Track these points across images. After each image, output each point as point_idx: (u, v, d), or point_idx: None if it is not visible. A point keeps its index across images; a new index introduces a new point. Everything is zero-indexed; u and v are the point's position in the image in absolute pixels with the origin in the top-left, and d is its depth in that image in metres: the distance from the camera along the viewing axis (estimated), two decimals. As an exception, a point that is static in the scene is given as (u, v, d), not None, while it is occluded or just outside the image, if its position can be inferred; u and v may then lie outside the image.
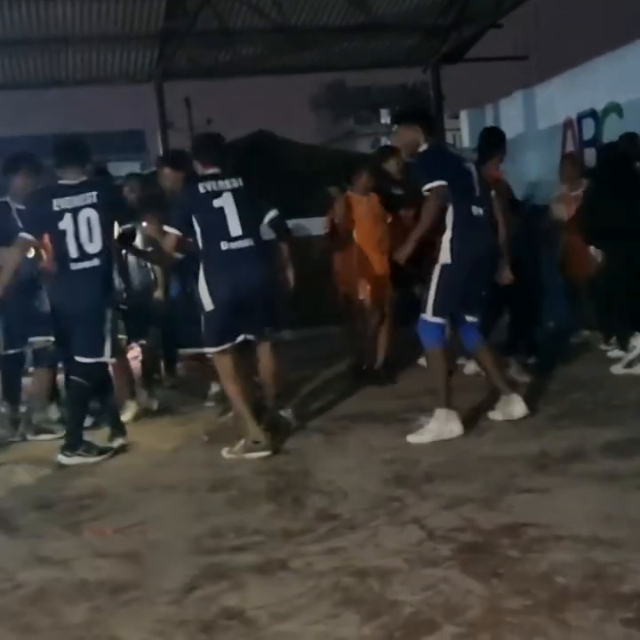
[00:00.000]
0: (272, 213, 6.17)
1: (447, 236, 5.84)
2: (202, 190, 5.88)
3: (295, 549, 4.15)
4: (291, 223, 7.30)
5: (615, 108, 9.22)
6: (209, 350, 5.99)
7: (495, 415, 6.13)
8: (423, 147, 5.98)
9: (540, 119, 10.94)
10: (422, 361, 7.74)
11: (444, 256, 5.85)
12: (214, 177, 5.95)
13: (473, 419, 6.14)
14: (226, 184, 5.92)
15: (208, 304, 5.80)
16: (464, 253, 5.81)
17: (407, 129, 6.10)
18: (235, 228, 5.86)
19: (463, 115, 13.66)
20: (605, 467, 4.95)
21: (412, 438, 5.79)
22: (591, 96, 9.54)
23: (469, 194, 5.92)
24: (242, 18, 11.83)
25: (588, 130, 9.61)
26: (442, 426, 5.78)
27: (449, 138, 16.15)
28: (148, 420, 7.17)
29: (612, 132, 8.59)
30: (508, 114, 11.83)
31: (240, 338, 5.92)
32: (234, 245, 5.84)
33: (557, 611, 3.24)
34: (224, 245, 5.82)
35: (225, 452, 5.85)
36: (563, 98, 10.16)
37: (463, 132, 13.50)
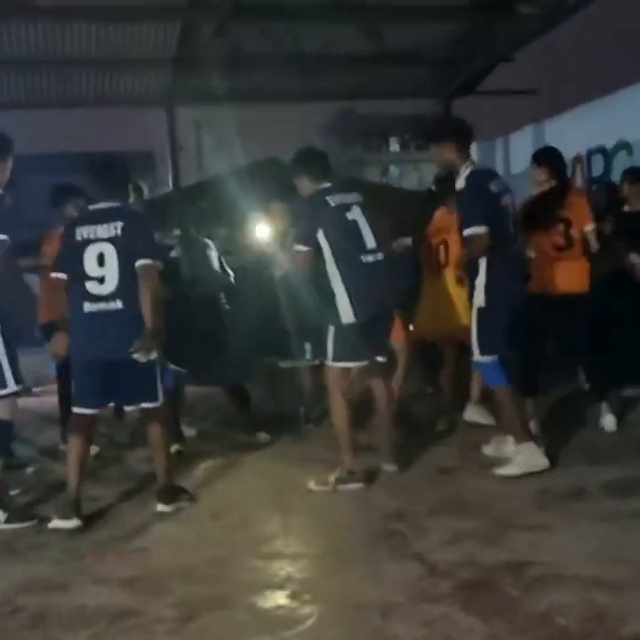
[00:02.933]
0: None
1: (481, 280, 5.72)
2: (332, 203, 5.75)
3: (296, 582, 4.15)
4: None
5: (625, 146, 9.27)
6: (338, 364, 5.76)
7: (487, 450, 6.14)
8: (461, 180, 5.80)
9: (550, 154, 10.98)
10: None
11: (479, 299, 5.74)
12: (336, 190, 5.86)
13: (473, 454, 6.16)
14: (350, 198, 5.86)
15: (349, 316, 5.65)
16: (499, 297, 5.72)
17: (442, 147, 5.92)
18: (369, 240, 5.79)
19: (473, 146, 13.71)
20: (606, 506, 4.95)
21: (500, 471, 5.65)
22: (601, 133, 9.59)
23: (505, 234, 5.82)
24: (255, 45, 11.87)
25: (598, 166, 9.66)
26: (529, 459, 5.65)
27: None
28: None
29: (621, 169, 8.63)
30: (519, 147, 11.88)
31: (371, 358, 5.86)
32: (371, 258, 5.77)
33: (557, 652, 3.24)
34: (363, 258, 5.74)
35: (313, 485, 5.68)
36: (573, 133, 10.20)
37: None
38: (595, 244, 6.50)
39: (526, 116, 12.91)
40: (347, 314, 5.66)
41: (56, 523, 5.12)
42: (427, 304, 7.27)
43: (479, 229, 5.62)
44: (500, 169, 12.24)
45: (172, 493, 5.48)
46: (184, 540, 4.91)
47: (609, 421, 6.64)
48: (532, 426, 6.50)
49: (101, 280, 5.23)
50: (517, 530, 4.63)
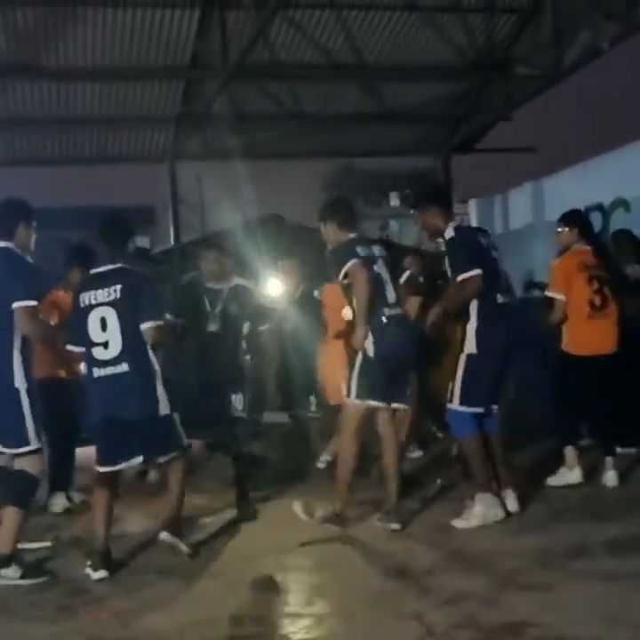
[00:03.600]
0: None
1: (472, 326, 5.82)
2: (362, 254, 5.80)
3: (293, 641, 4.11)
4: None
5: (622, 203, 9.36)
6: (358, 401, 5.78)
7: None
8: (449, 231, 5.93)
9: (548, 211, 11.06)
10: None
11: (470, 346, 5.82)
12: (363, 242, 5.95)
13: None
14: (376, 250, 5.94)
15: (371, 351, 5.71)
16: (490, 343, 5.79)
17: (426, 213, 6.08)
18: (391, 295, 5.87)
19: (472, 203, 13.82)
20: (608, 565, 4.90)
21: (457, 523, 5.78)
22: (599, 190, 9.68)
23: (495, 283, 5.89)
24: (256, 104, 12.03)
25: (596, 223, 9.71)
26: (487, 510, 5.77)
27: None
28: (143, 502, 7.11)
29: (618, 225, 8.69)
30: (517, 204, 12.00)
31: (388, 403, 5.86)
32: (392, 312, 5.83)
33: None
34: (386, 311, 5.80)
35: (320, 520, 5.80)
36: (571, 191, 10.29)
37: (471, 221, 13.64)
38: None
39: (525, 173, 13.02)
40: (369, 354, 5.71)
41: (87, 571, 5.17)
42: (447, 361, 7.27)
43: (473, 272, 5.73)
44: (498, 225, 12.36)
45: (178, 528, 5.56)
46: (182, 598, 4.85)
47: (611, 477, 6.60)
48: (577, 474, 6.55)
49: (106, 345, 5.26)
50: (518, 589, 4.58)
